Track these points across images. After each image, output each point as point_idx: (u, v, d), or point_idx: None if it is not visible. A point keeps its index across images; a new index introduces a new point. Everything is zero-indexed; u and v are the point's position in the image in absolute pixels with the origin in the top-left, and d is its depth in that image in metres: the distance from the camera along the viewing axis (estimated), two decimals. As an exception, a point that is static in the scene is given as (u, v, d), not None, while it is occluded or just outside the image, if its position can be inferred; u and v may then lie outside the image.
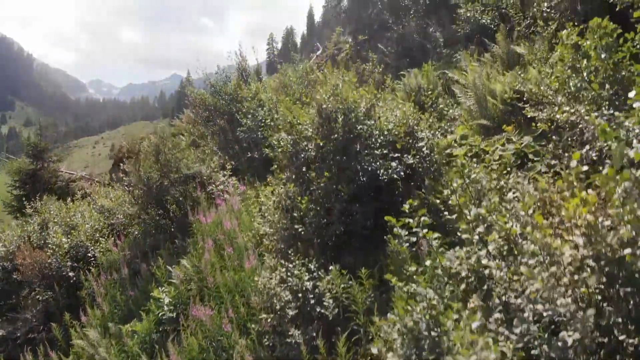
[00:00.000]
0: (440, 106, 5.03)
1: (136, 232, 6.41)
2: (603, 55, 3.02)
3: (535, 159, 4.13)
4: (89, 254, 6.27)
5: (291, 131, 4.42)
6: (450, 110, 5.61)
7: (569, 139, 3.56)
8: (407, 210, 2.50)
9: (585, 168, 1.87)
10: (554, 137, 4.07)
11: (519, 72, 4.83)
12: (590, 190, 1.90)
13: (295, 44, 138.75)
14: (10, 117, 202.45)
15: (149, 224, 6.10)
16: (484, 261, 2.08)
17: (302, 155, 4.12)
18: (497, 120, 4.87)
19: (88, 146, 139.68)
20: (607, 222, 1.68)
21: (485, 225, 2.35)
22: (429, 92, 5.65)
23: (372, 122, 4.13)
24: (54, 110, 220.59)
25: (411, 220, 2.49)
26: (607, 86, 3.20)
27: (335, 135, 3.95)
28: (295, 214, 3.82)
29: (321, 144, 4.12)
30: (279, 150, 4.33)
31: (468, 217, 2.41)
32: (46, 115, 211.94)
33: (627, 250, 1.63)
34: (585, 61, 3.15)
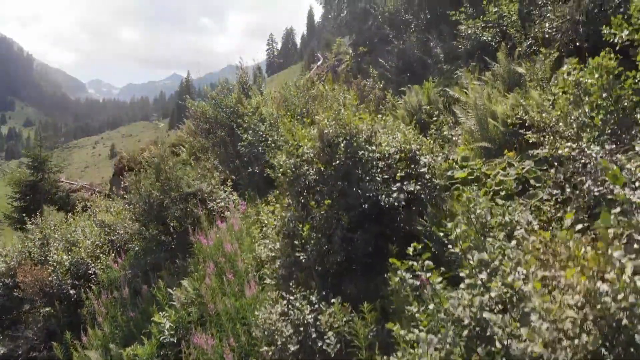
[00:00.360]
0: (444, 132, 5.01)
1: (137, 248, 6.42)
2: (604, 95, 3.02)
3: (537, 184, 4.13)
4: (90, 271, 6.27)
5: (292, 154, 4.42)
6: (452, 131, 5.60)
7: (571, 168, 3.56)
8: (411, 253, 2.49)
9: (579, 227, 1.87)
10: (555, 163, 4.08)
11: (521, 96, 4.82)
12: (589, 249, 1.90)
13: (295, 44, 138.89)
14: (10, 118, 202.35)
15: (149, 240, 6.09)
16: (486, 314, 2.07)
17: (303, 180, 4.12)
18: (498, 142, 4.87)
19: (88, 146, 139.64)
20: (606, 288, 1.68)
21: (489, 270, 2.35)
22: (431, 112, 5.64)
23: (374, 147, 4.12)
24: (54, 110, 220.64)
25: (415, 263, 2.49)
26: (609, 119, 3.19)
27: (337, 161, 3.95)
28: (296, 242, 3.82)
29: (322, 169, 4.12)
30: (280, 173, 4.33)
31: (471, 261, 2.41)
32: (46, 116, 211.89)
33: (626, 316, 1.64)
34: (586, 97, 3.15)
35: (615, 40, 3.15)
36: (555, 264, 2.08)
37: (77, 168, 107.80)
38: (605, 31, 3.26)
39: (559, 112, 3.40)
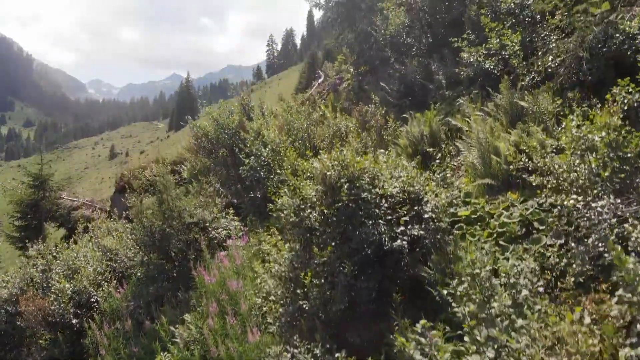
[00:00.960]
0: (446, 172, 5.00)
1: (139, 274, 6.42)
2: (612, 155, 3.01)
3: (541, 227, 4.11)
4: (92, 299, 6.27)
5: (295, 193, 4.41)
6: (454, 161, 5.59)
7: (575, 221, 3.56)
8: (419, 330, 2.48)
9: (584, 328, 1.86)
10: (559, 209, 4.07)
11: (523, 131, 4.82)
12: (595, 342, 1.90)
13: (295, 45, 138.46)
14: (9, 118, 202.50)
15: (152, 269, 6.09)
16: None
17: (306, 223, 4.12)
18: (501, 178, 4.85)
19: (88, 147, 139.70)
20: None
21: (496, 346, 2.35)
22: (434, 143, 5.63)
23: (377, 189, 4.12)
24: (54, 111, 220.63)
25: (423, 340, 2.48)
26: (615, 175, 3.18)
27: (340, 204, 3.94)
28: (298, 291, 3.81)
29: (325, 211, 4.12)
30: (282, 214, 4.32)
31: (478, 337, 2.41)
32: (46, 116, 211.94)
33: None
34: (593, 154, 3.14)
35: (624, 102, 3.13)
36: (562, 352, 2.09)
37: (77, 169, 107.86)
38: (614, 91, 3.25)
39: (564, 168, 3.38)
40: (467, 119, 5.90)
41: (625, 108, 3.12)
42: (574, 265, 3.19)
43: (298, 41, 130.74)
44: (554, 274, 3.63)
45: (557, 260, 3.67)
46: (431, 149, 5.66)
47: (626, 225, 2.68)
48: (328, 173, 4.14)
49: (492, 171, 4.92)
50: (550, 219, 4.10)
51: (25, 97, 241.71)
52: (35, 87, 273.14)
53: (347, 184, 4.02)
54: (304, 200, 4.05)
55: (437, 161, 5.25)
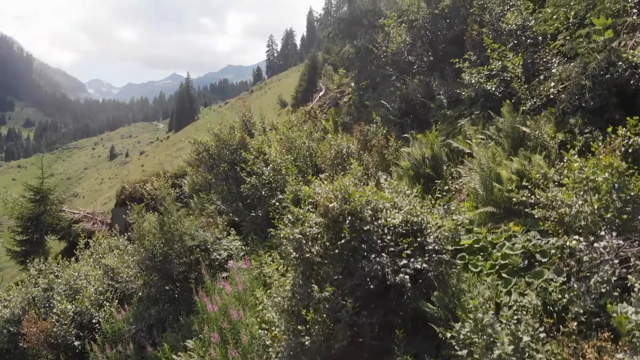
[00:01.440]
0: (450, 207, 5.00)
1: (140, 294, 6.43)
2: (615, 196, 3.01)
3: (543, 260, 4.11)
4: (94, 320, 6.28)
5: (297, 223, 4.41)
6: (456, 183, 5.59)
7: (578, 259, 3.56)
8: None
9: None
10: (561, 238, 4.07)
11: (525, 161, 4.81)
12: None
13: (295, 45, 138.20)
14: (9, 118, 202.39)
15: (153, 291, 6.09)
16: None
17: (308, 256, 4.12)
18: (504, 205, 4.85)
19: (88, 147, 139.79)
20: None
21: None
22: (435, 166, 5.63)
23: (380, 221, 4.12)
24: (54, 111, 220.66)
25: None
26: (618, 216, 3.18)
27: (342, 242, 3.94)
28: (300, 327, 3.81)
29: (328, 245, 4.12)
30: (283, 246, 4.32)
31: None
32: (46, 116, 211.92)
33: None
34: (595, 196, 3.14)
35: (630, 143, 3.13)
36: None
37: (77, 169, 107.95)
38: (621, 132, 3.24)
39: (566, 209, 3.38)
40: (468, 141, 5.90)
41: (630, 151, 3.11)
42: (575, 308, 3.19)
43: (298, 41, 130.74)
44: (556, 308, 3.64)
45: (560, 296, 3.67)
46: (433, 173, 5.65)
47: (630, 276, 2.67)
48: (330, 205, 4.14)
49: (494, 198, 4.92)
50: (552, 251, 4.10)
51: (25, 97, 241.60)
52: (35, 87, 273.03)
53: (350, 218, 4.02)
54: (306, 236, 4.04)
55: (439, 189, 5.24)
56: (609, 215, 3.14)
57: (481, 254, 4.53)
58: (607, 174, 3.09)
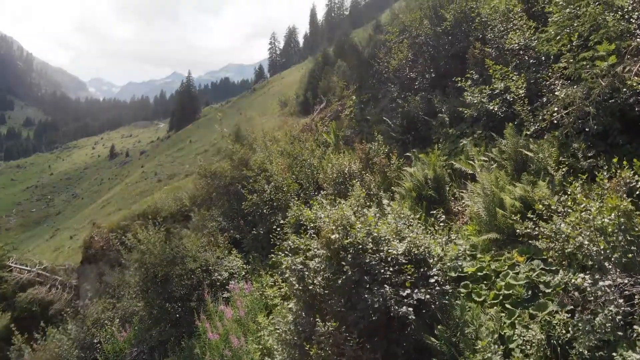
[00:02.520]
0: (452, 237, 4.98)
1: (142, 313, 6.41)
2: (621, 237, 2.99)
3: (547, 290, 4.09)
4: (95, 340, 6.27)
5: (299, 254, 4.39)
6: (457, 207, 5.57)
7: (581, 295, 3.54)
8: None
9: None
10: (566, 275, 4.05)
11: (528, 186, 4.79)
12: None
13: (298, 43, 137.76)
14: (9, 117, 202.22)
15: (155, 313, 6.08)
16: None
17: (311, 288, 4.10)
18: (507, 232, 4.83)
19: (87, 147, 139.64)
20: None
21: None
22: (438, 187, 5.60)
23: (382, 253, 4.10)
24: (54, 110, 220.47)
25: None
26: (624, 255, 3.16)
27: (344, 277, 3.92)
28: (304, 362, 3.80)
29: (330, 276, 4.10)
30: (287, 276, 4.30)
31: None
32: (46, 115, 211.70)
33: None
34: (602, 237, 3.12)
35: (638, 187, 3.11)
36: None
37: (77, 169, 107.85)
38: (626, 175, 3.22)
39: (570, 245, 3.36)
40: (471, 162, 5.87)
41: (637, 193, 3.09)
42: (580, 347, 3.17)
43: (301, 39, 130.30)
44: (560, 341, 3.63)
45: (564, 331, 3.65)
46: (435, 195, 5.63)
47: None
48: (332, 237, 4.12)
49: (498, 223, 4.90)
50: (556, 281, 4.08)
51: (25, 97, 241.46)
52: (35, 86, 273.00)
53: (352, 250, 4.00)
54: (309, 268, 4.02)
55: (441, 212, 5.22)
56: (615, 256, 3.12)
57: (484, 282, 4.51)
58: (613, 215, 3.07)
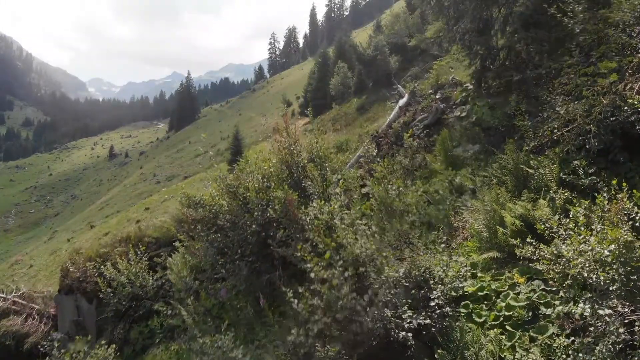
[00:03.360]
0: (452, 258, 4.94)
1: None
2: (621, 270, 2.97)
3: (547, 312, 4.07)
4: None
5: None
6: (457, 222, 5.55)
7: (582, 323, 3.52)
8: None
9: None
10: (565, 291, 4.04)
11: (529, 204, 4.77)
12: None
13: (298, 43, 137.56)
14: (8, 117, 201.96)
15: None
16: None
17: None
18: (507, 250, 4.81)
19: (87, 147, 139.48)
20: None
21: None
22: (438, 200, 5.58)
23: (384, 277, 4.07)
24: (53, 110, 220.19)
25: None
26: (624, 285, 3.14)
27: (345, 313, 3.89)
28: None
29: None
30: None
31: None
32: (45, 115, 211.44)
33: None
34: (603, 269, 3.10)
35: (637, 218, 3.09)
36: None
37: (76, 170, 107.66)
38: (626, 205, 3.20)
39: (572, 270, 3.34)
40: (472, 177, 5.85)
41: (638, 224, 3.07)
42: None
43: (300, 40, 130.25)
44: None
45: (564, 356, 3.63)
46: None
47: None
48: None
49: (498, 241, 4.88)
50: (556, 303, 4.06)
51: (24, 97, 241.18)
52: (35, 86, 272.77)
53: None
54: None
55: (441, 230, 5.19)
56: (615, 286, 3.10)
57: (485, 302, 4.48)
58: (613, 247, 3.05)
